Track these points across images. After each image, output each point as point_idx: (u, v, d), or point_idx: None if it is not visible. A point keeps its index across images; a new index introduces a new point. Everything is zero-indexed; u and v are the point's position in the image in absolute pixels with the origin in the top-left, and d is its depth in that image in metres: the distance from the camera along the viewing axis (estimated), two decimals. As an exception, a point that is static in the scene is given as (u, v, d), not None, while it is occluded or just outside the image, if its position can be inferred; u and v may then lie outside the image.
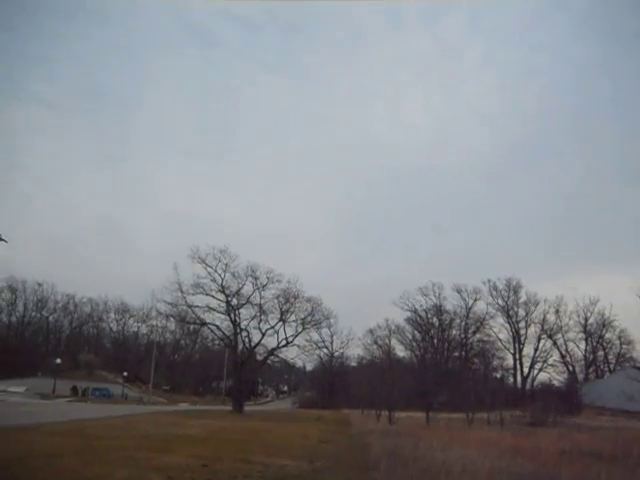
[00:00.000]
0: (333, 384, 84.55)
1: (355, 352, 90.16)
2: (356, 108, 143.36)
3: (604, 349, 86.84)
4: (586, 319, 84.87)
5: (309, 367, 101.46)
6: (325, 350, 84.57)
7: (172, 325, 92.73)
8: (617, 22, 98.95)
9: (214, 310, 47.70)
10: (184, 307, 47.42)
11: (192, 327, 75.21)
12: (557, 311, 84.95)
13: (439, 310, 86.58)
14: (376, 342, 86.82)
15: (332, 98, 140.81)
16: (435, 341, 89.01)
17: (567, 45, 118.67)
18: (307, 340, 55.00)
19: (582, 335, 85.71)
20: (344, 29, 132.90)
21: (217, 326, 49.06)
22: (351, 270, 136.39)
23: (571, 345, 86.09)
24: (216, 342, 79.28)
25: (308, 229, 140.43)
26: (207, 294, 47.25)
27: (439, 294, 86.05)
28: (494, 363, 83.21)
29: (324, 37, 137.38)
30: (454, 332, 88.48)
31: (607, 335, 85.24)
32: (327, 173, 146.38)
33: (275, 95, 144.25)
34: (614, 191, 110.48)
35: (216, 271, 47.35)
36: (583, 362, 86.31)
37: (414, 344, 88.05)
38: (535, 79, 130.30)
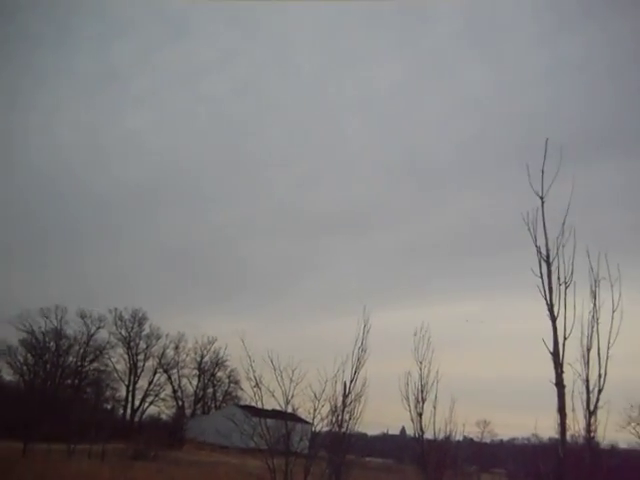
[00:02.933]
0: None
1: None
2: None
3: (214, 386, 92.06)
4: (202, 357, 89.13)
5: None
6: None
7: None
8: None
9: None
10: None
11: None
12: (177, 347, 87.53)
13: (58, 334, 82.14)
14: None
15: None
16: (48, 366, 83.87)
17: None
18: None
19: (196, 372, 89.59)
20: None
21: None
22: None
23: (184, 380, 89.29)
24: None
25: None
26: None
27: (61, 317, 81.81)
28: (107, 393, 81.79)
29: None
30: (71, 359, 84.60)
31: (219, 373, 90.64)
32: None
33: None
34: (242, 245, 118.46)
35: None
36: (193, 398, 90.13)
37: (24, 368, 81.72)
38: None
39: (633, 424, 53.14)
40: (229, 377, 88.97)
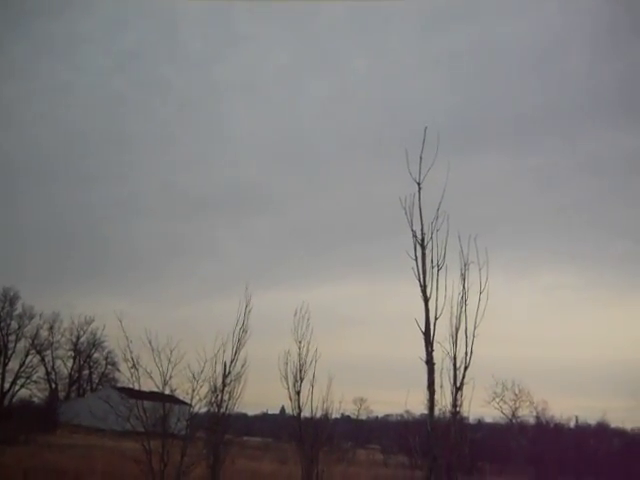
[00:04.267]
0: None
1: None
2: None
3: (90, 368, 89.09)
4: (78, 337, 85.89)
5: None
6: None
7: None
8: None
9: None
10: None
11: None
12: (51, 327, 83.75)
13: None
14: None
15: None
16: None
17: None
18: None
19: (71, 353, 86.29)
20: None
21: None
22: None
23: (59, 362, 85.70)
24: None
25: None
26: None
27: None
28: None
29: None
30: None
31: (95, 355, 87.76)
32: None
33: None
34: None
35: None
36: (67, 380, 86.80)
37: None
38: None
39: (497, 399, 56.88)
40: (106, 359, 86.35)
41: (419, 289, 11.32)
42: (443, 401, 11.05)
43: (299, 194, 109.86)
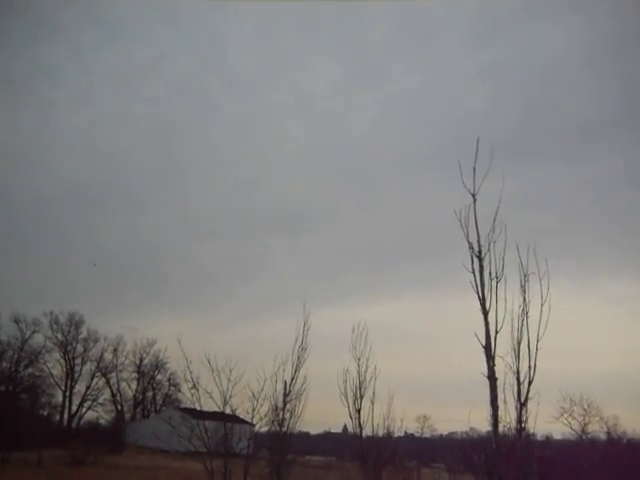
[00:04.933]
0: None
1: None
2: None
3: (153, 390, 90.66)
4: (141, 359, 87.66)
5: None
6: None
7: None
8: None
9: None
10: None
11: None
12: (115, 350, 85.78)
13: (-11, 340, 79.26)
14: None
15: None
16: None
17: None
18: None
19: (135, 375, 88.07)
20: None
21: None
22: None
23: (123, 384, 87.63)
24: None
25: None
26: None
27: (-7, 323, 78.99)
28: (43, 400, 79.45)
29: None
30: (4, 364, 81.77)
31: (158, 376, 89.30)
32: None
33: None
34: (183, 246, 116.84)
35: None
36: (132, 402, 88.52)
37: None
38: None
39: (565, 415, 55.09)
40: (169, 380, 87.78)
41: (478, 302, 11.11)
42: (507, 417, 10.75)
43: (354, 211, 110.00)
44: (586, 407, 54.63)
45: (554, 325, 10.90)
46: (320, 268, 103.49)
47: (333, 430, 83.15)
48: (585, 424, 55.73)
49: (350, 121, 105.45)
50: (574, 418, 55.64)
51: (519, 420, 10.74)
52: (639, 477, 44.14)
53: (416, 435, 76.56)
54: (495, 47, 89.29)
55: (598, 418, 54.93)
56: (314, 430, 73.59)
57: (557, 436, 61.36)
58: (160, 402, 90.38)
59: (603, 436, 55.70)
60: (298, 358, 17.17)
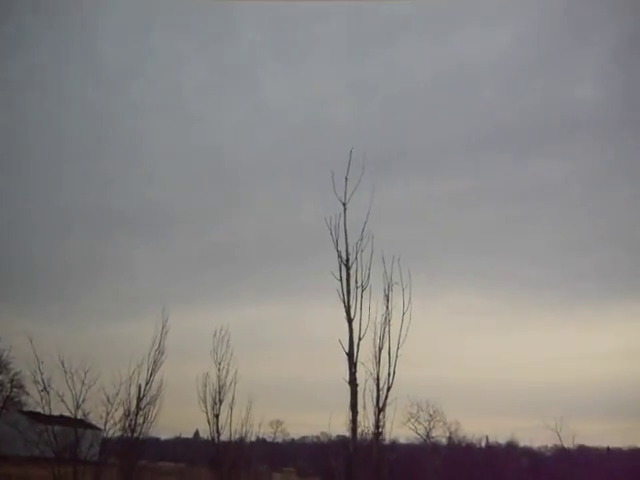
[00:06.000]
0: None
1: None
2: None
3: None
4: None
5: None
6: None
7: None
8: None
9: None
10: None
11: None
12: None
13: None
14: None
15: None
16: None
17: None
18: None
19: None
20: None
21: None
22: None
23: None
24: None
25: None
26: None
27: None
28: None
29: None
30: None
31: (0, 377, 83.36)
32: None
33: None
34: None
35: None
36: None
37: None
38: None
39: (412, 420, 57.56)
40: (12, 381, 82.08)
41: (343, 310, 11.36)
42: (366, 422, 11.08)
43: (220, 214, 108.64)
44: (432, 413, 57.35)
45: (411, 334, 11.37)
46: (182, 271, 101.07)
47: (184, 435, 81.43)
48: (430, 429, 58.49)
49: (218, 123, 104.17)
50: (420, 423, 58.20)
51: (377, 425, 11.09)
52: (477, 476, 47.21)
53: (268, 440, 76.70)
54: (365, 62, 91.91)
55: (442, 423, 57.87)
56: (165, 435, 71.65)
57: (402, 440, 63.94)
58: (0, 405, 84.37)
59: (445, 440, 58.87)
60: (154, 361, 16.80)
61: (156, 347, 16.87)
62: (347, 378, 11.06)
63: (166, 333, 17.10)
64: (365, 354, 11.17)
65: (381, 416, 11.07)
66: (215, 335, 17.08)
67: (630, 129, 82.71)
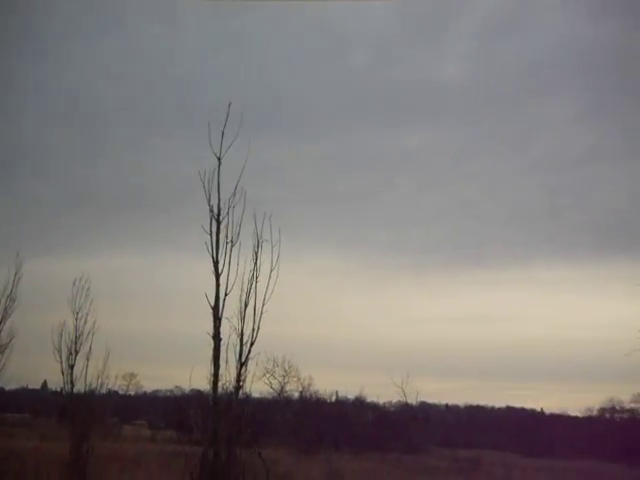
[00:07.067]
0: None
1: None
2: None
3: None
4: None
5: None
6: None
7: None
8: None
9: None
10: None
11: None
12: None
13: None
14: None
15: None
16: None
17: None
18: None
19: None
20: None
21: None
22: None
23: None
24: None
25: None
26: None
27: None
28: None
29: None
30: None
31: None
32: None
33: None
34: None
35: None
36: None
37: None
38: None
39: (268, 375, 58.73)
40: None
41: (211, 265, 11.32)
42: (228, 376, 11.21)
43: (79, 157, 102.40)
44: (287, 368, 58.72)
45: (278, 291, 11.54)
46: (39, 214, 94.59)
47: (31, 386, 77.89)
48: (284, 384, 59.96)
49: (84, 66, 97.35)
50: (275, 378, 59.45)
51: (238, 379, 11.25)
52: (326, 429, 49.43)
53: (120, 392, 75.22)
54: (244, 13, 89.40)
55: (296, 379, 59.47)
56: (8, 386, 68.30)
57: (255, 394, 65.16)
58: None
59: (297, 395, 60.71)
60: (5, 309, 16.03)
61: (7, 294, 16.04)
62: (211, 333, 11.10)
63: (19, 279, 16.25)
64: (231, 310, 11.23)
65: (242, 370, 11.23)
66: (75, 284, 16.33)
67: (493, 105, 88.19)
